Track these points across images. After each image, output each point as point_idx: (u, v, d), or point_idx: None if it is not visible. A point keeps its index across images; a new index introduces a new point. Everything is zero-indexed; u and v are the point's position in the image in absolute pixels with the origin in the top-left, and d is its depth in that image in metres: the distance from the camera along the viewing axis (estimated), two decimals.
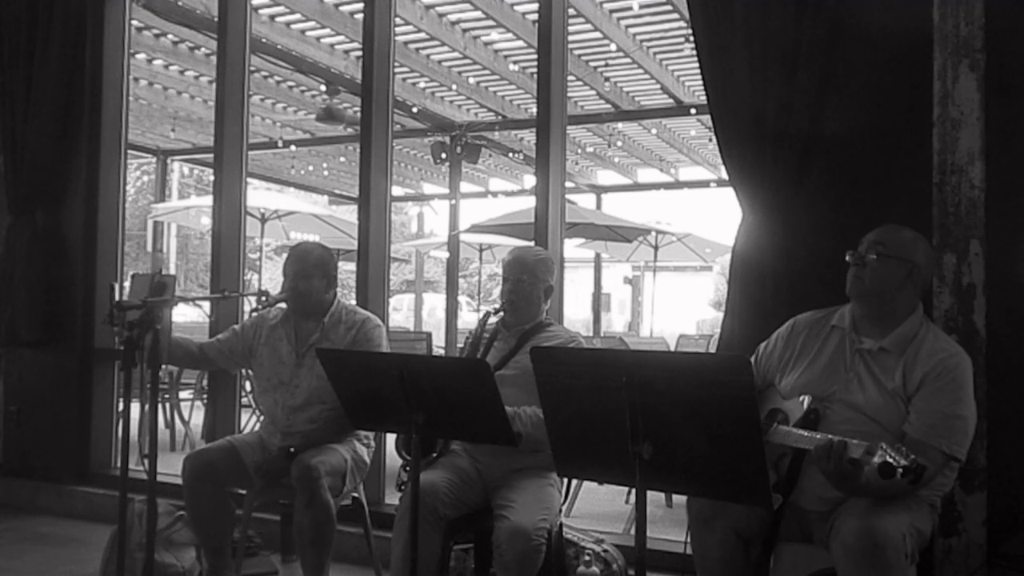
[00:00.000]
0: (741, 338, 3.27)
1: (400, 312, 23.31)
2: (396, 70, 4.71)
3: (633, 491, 2.10)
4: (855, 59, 3.29)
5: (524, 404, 2.97)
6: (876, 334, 2.57)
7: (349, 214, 13.80)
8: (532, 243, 4.05)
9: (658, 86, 8.60)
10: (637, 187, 13.71)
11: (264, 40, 7.31)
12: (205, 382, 6.45)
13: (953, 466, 2.48)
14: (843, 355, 2.60)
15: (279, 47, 7.60)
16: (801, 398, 2.56)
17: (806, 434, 2.38)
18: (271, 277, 19.48)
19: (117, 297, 3.01)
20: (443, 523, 2.96)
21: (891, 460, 2.07)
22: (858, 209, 3.23)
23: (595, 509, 4.86)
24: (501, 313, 3.30)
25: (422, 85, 9.11)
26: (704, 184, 13.14)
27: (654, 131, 10.70)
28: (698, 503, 2.54)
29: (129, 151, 6.32)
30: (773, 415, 2.56)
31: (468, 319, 17.18)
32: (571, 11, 5.61)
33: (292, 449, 3.30)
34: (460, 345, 3.34)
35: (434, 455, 3.13)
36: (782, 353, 2.74)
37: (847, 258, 2.60)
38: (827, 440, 2.25)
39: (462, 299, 17.53)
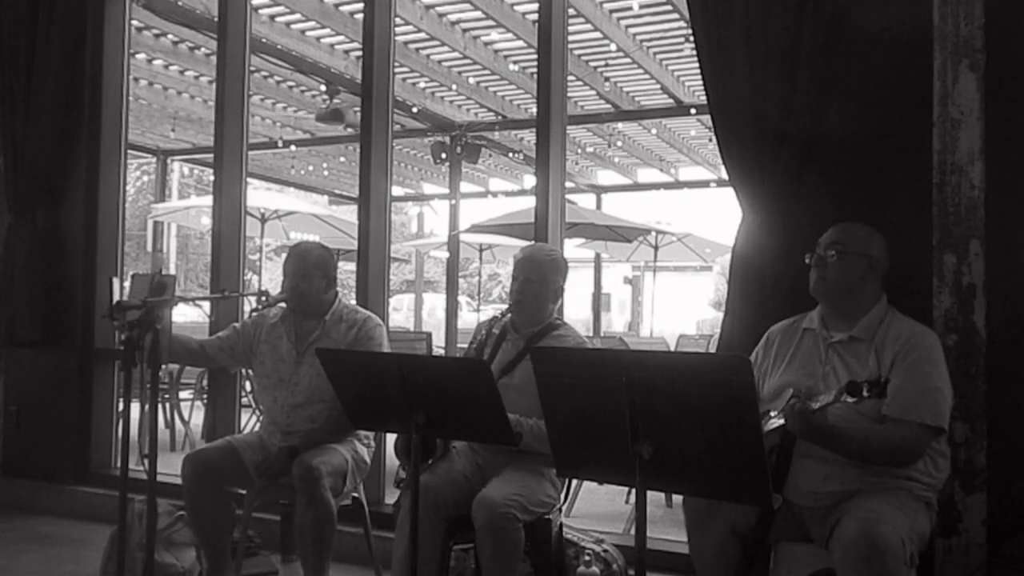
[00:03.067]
0: (741, 338, 3.27)
1: (400, 312, 23.31)
2: (396, 70, 4.71)
3: (633, 491, 2.10)
4: (855, 59, 3.29)
5: (530, 411, 2.96)
6: (845, 327, 2.66)
7: (349, 214, 13.80)
8: (534, 241, 4.04)
9: (658, 86, 8.60)
10: (637, 187, 13.72)
11: (264, 40, 7.31)
12: (205, 382, 6.45)
13: (942, 444, 2.53)
14: (817, 351, 2.68)
15: (279, 47, 7.60)
16: (782, 393, 2.58)
17: (777, 415, 2.42)
18: (271, 277, 19.49)
19: (116, 293, 3.00)
20: (445, 523, 2.96)
21: (854, 379, 2.15)
22: (858, 209, 3.22)
23: (595, 509, 4.86)
24: (509, 315, 3.28)
25: (422, 85, 9.11)
26: (704, 184, 13.15)
27: (654, 131, 10.70)
28: (695, 501, 2.56)
29: (129, 151, 6.32)
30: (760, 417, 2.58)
31: (468, 319, 17.21)
32: (571, 11, 5.61)
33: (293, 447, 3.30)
34: (462, 345, 3.33)
35: (429, 462, 3.11)
36: (761, 364, 2.81)
37: (807, 260, 2.71)
38: (790, 402, 2.32)
39: (462, 299, 17.53)
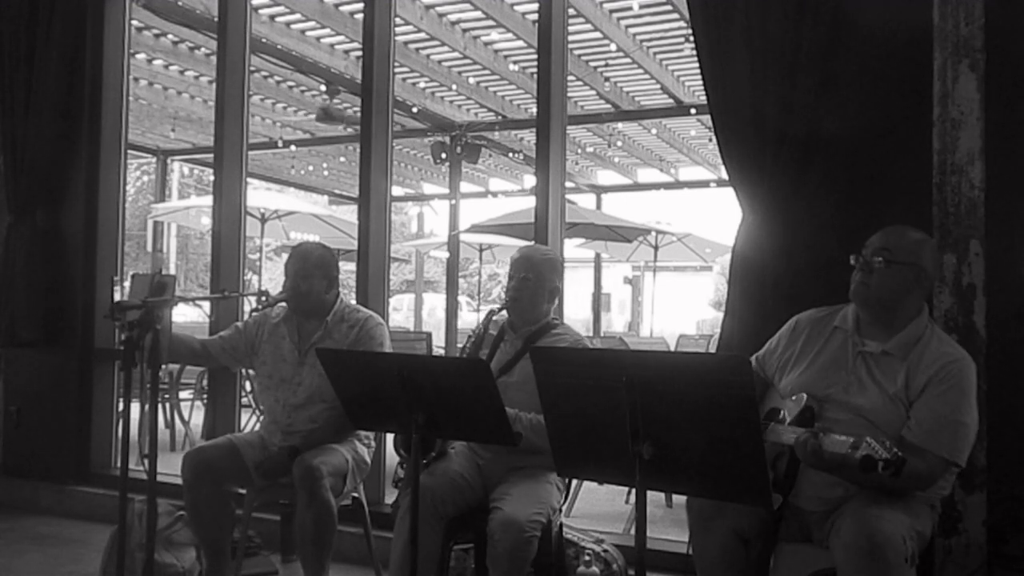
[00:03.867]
0: (741, 338, 3.27)
1: (400, 312, 23.31)
2: (396, 70, 4.71)
3: (633, 491, 2.10)
4: (855, 59, 3.29)
5: (529, 408, 2.96)
6: (880, 337, 2.54)
7: (349, 214, 13.80)
8: (534, 242, 4.05)
9: (658, 86, 8.60)
10: (637, 187, 13.71)
11: (264, 40, 7.31)
12: (205, 382, 6.45)
13: (953, 471, 2.48)
14: (845, 357, 2.58)
15: (279, 47, 7.60)
16: (798, 396, 2.55)
17: (791, 430, 2.39)
18: (271, 277, 19.50)
19: (117, 293, 3.00)
20: (443, 523, 2.96)
21: (872, 453, 2.09)
22: (858, 209, 3.23)
23: (595, 509, 4.86)
24: (504, 312, 3.29)
25: (422, 85, 9.11)
26: (704, 184, 13.15)
27: (654, 131, 10.70)
28: (698, 503, 2.54)
29: (129, 151, 6.32)
30: (771, 414, 2.56)
31: (468, 319, 17.20)
32: (571, 11, 5.61)
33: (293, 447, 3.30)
34: (460, 344, 3.33)
35: (432, 455, 3.11)
36: (783, 352, 2.73)
37: (852, 261, 2.55)
38: (804, 435, 2.27)
39: (462, 299, 17.53)
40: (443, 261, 17.74)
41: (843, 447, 2.16)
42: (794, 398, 2.55)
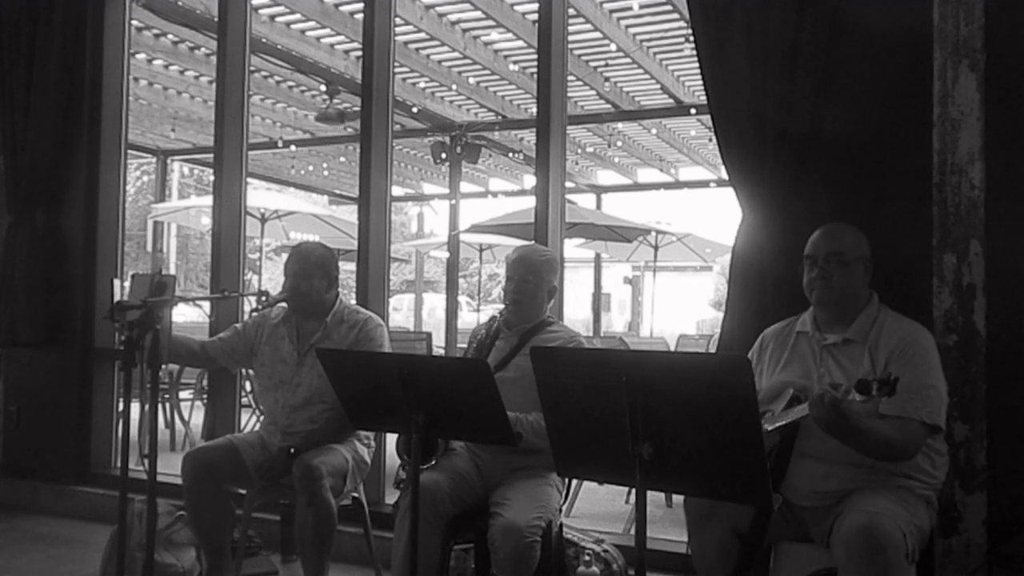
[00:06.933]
0: (741, 338, 3.27)
1: (400, 312, 23.32)
2: (396, 70, 4.71)
3: (633, 491, 2.10)
4: (855, 59, 3.29)
5: (525, 405, 2.97)
6: (838, 329, 2.67)
7: (349, 214, 13.81)
8: (533, 242, 4.05)
9: (658, 86, 8.60)
10: (637, 187, 13.72)
11: (264, 40, 7.31)
12: (205, 382, 6.45)
13: (938, 442, 2.54)
14: (811, 354, 2.69)
15: (279, 47, 7.60)
16: (783, 393, 2.59)
17: (793, 409, 2.44)
18: (271, 277, 19.49)
19: (117, 294, 3.00)
20: (444, 522, 2.96)
21: (864, 377, 2.16)
22: (858, 209, 3.22)
23: (595, 509, 4.86)
24: (504, 315, 3.30)
25: (422, 85, 9.11)
26: (704, 184, 13.15)
27: (654, 131, 10.70)
28: (695, 501, 2.57)
29: (129, 151, 6.31)
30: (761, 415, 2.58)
31: (468, 319, 17.21)
32: (571, 11, 5.61)
33: (292, 449, 3.30)
34: (462, 345, 3.34)
35: (432, 462, 3.11)
36: (755, 366, 2.79)
37: (812, 274, 2.69)
38: (819, 391, 2.32)
39: (462, 299, 17.54)
40: (443, 261, 17.75)
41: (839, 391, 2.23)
42: (780, 395, 2.59)
